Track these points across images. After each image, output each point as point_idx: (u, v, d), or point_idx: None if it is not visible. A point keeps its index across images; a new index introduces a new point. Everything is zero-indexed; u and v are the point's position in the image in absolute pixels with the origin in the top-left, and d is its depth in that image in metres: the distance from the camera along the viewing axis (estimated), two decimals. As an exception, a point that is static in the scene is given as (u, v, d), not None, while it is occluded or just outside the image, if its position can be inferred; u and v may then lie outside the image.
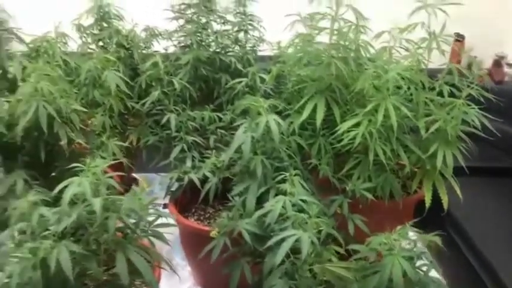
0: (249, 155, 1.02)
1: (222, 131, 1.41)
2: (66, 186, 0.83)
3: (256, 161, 1.02)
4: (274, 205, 0.92)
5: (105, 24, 1.57)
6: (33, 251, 0.81)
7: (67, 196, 0.78)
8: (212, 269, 1.10)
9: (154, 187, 1.76)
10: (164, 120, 1.33)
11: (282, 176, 1.01)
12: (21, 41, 1.24)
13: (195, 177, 1.24)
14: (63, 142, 1.16)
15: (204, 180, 1.23)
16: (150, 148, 1.45)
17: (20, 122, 1.11)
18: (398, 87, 1.14)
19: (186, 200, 1.33)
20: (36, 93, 1.10)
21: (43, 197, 0.91)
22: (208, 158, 1.32)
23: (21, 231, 0.89)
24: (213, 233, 1.21)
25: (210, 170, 1.27)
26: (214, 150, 1.25)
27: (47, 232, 0.83)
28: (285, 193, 0.97)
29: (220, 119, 1.43)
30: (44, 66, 1.17)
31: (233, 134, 1.45)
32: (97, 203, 0.79)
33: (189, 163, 1.30)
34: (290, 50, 1.32)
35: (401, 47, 1.24)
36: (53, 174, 1.27)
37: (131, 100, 1.44)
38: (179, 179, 1.25)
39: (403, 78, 1.10)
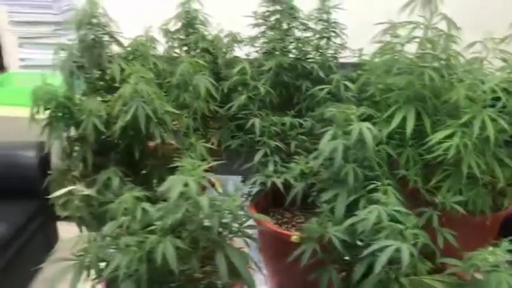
0: (340, 162, 1.02)
1: (303, 137, 1.42)
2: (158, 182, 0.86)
3: (347, 168, 1.02)
4: (368, 214, 0.92)
5: (191, 30, 1.63)
6: (139, 245, 0.85)
7: (174, 194, 0.81)
8: (293, 274, 1.11)
9: (227, 189, 1.79)
10: (249, 124, 1.35)
11: (374, 185, 1.01)
12: (120, 44, 1.31)
13: (278, 181, 1.25)
14: (157, 142, 1.21)
15: (286, 185, 1.25)
16: (230, 151, 1.49)
17: (119, 121, 1.17)
18: (495, 99, 1.10)
19: (265, 204, 1.35)
20: (136, 94, 1.16)
21: (145, 193, 0.96)
22: (289, 163, 1.33)
23: (124, 225, 0.94)
24: (295, 238, 1.22)
25: (294, 175, 1.29)
26: (300, 156, 1.26)
27: (152, 227, 0.87)
28: (377, 202, 0.96)
29: (301, 125, 1.44)
30: (141, 68, 1.22)
31: (314, 140, 1.46)
32: (204, 201, 0.82)
33: (271, 167, 1.32)
34: (377, 58, 1.31)
35: (497, 58, 1.20)
36: (143, 171, 1.33)
37: (214, 104, 1.48)
38: (263, 183, 1.27)
39: (501, 90, 1.07)
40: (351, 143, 1.03)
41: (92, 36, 1.25)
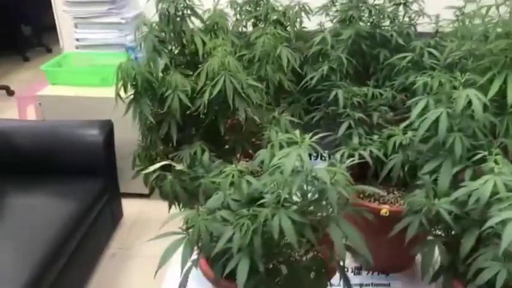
0: (445, 131, 0.98)
1: (385, 108, 1.37)
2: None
3: (454, 138, 0.98)
4: (484, 184, 0.88)
5: (260, 2, 1.59)
6: (252, 218, 0.84)
7: (289, 166, 0.79)
8: (383, 248, 1.09)
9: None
10: (332, 95, 1.32)
11: (481, 154, 0.96)
12: (200, 18, 1.28)
13: (365, 154, 1.22)
14: (242, 116, 1.19)
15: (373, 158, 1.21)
16: (306, 126, 1.46)
17: (205, 95, 1.16)
18: None
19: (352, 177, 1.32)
20: (223, 67, 1.14)
21: (248, 166, 0.95)
22: (372, 135, 1.30)
23: (226, 199, 0.94)
24: (384, 211, 1.19)
25: (377, 147, 1.25)
26: (397, 127, 1.22)
27: (263, 200, 0.86)
28: (488, 173, 0.92)
29: (381, 95, 1.39)
30: (224, 42, 1.20)
31: (394, 111, 1.42)
32: (324, 173, 0.79)
33: (356, 140, 1.28)
34: (468, 24, 1.25)
35: None
36: (227, 146, 1.32)
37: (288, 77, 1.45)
38: (350, 156, 1.24)
39: None
40: (455, 111, 0.98)
41: (174, 10, 1.23)
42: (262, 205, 0.86)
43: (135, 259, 2.35)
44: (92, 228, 2.21)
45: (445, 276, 0.97)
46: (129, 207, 2.64)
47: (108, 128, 2.33)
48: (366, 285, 1.31)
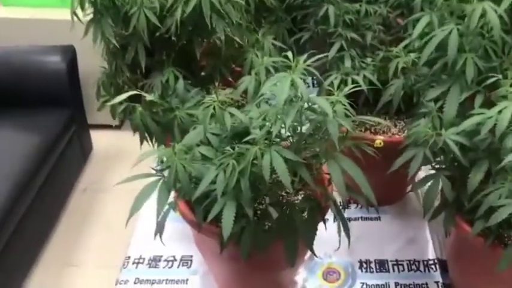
0: (456, 52, 0.86)
1: (379, 27, 1.23)
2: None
3: (465, 59, 0.85)
4: (501, 112, 0.77)
5: None
6: (238, 157, 0.72)
7: (282, 95, 0.66)
8: (374, 181, 1.00)
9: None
10: (322, 12, 1.16)
11: (494, 78, 0.85)
12: None
13: (359, 79, 1.09)
14: (221, 38, 1.03)
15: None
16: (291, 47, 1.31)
17: (178, 12, 0.99)
18: None
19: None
20: (196, -20, 0.96)
21: (230, 96, 0.81)
22: (365, 57, 1.17)
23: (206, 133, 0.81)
24: (378, 142, 1.09)
25: (372, 72, 1.13)
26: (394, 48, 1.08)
27: (250, 136, 0.73)
28: (501, 99, 0.81)
29: (375, 12, 1.24)
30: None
31: (389, 30, 1.28)
32: (324, 103, 0.67)
33: (348, 63, 1.15)
34: None
35: None
36: (203, 73, 1.17)
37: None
38: (342, 82, 1.11)
39: None
40: (466, 28, 0.85)
41: None
42: (249, 142, 0.73)
43: (108, 194, 2.24)
44: (60, 162, 2.06)
45: (448, 213, 0.89)
46: (99, 139, 2.48)
47: (70, 54, 2.12)
48: (355, 219, 1.24)
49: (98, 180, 2.34)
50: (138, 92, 0.94)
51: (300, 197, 0.87)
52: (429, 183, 0.88)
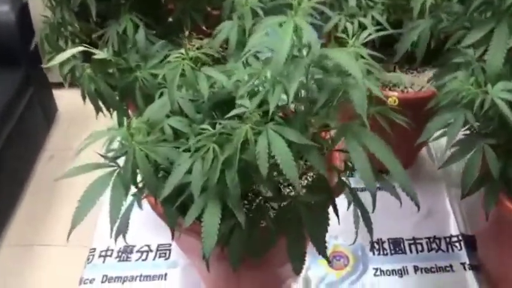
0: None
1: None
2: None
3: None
4: None
5: None
6: (222, 140, 0.50)
7: (283, 49, 0.44)
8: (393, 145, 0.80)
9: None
10: None
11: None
12: None
13: (367, 21, 0.87)
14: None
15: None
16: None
17: None
18: None
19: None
20: None
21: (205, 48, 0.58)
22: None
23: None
24: (392, 100, 0.89)
25: (381, 12, 0.91)
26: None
27: (236, 110, 0.51)
28: None
29: None
30: None
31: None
32: (350, 62, 0.45)
33: (353, 1, 0.92)
34: None
35: None
36: (170, 19, 0.93)
37: None
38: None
39: None
40: None
41: None
42: (235, 117, 0.52)
43: (78, 162, 2.02)
44: (19, 128, 1.82)
45: (490, 189, 0.71)
46: (64, 100, 2.22)
47: (20, 3, 1.84)
48: (360, 189, 1.05)
49: (66, 146, 2.10)
50: (85, 48, 0.71)
51: (303, 182, 0.66)
52: (471, 154, 0.68)
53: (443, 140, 1.15)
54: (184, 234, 0.66)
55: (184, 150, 0.53)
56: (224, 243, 0.58)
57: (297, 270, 0.60)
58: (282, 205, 0.58)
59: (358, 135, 0.50)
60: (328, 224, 0.61)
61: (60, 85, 2.28)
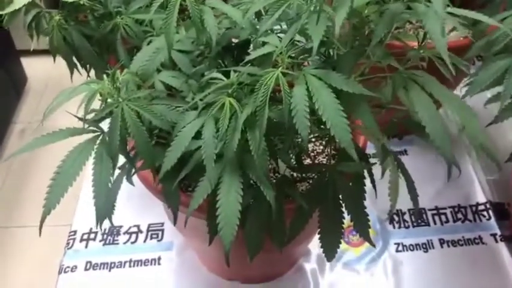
0: None
1: None
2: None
3: None
4: None
5: None
6: (239, 93, 0.38)
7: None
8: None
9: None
10: None
11: None
12: None
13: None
14: None
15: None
16: None
17: None
18: None
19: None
20: None
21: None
22: None
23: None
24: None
25: None
26: None
27: (263, 51, 0.38)
28: None
29: None
30: None
31: None
32: None
33: None
34: None
35: None
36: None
37: None
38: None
39: None
40: None
41: None
42: (253, 63, 0.39)
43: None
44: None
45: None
46: (34, 68, 2.04)
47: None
48: (372, 155, 0.94)
49: (39, 119, 1.94)
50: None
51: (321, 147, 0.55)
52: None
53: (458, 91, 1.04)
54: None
55: (187, 110, 0.40)
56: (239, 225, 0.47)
57: (330, 257, 0.49)
58: (311, 177, 0.46)
59: (426, 84, 0.38)
60: (365, 199, 0.50)
61: (29, 53, 2.11)
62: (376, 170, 0.53)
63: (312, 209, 0.44)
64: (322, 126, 0.40)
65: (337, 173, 0.44)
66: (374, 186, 0.52)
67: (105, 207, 0.48)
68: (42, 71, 2.08)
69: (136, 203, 0.86)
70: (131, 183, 0.52)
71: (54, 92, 1.78)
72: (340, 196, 0.44)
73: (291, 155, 0.45)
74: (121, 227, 0.84)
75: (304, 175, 0.48)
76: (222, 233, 0.38)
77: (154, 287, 0.76)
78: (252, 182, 0.42)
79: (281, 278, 0.76)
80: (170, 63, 0.50)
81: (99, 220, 0.49)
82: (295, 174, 0.50)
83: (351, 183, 0.45)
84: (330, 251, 0.47)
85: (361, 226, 0.46)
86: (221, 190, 0.39)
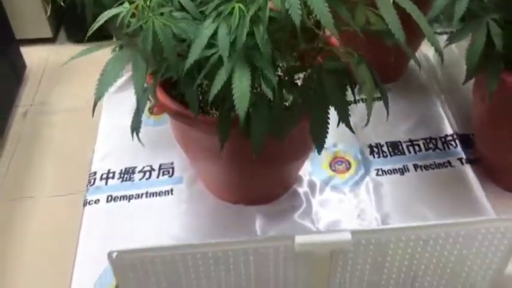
0: None
1: None
2: None
3: None
4: None
5: None
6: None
7: None
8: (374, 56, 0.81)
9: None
10: None
11: None
12: None
13: None
14: None
15: None
16: None
17: None
18: None
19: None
20: None
21: None
22: None
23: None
24: None
25: None
26: None
27: None
28: None
29: None
30: None
31: None
32: None
33: None
34: None
35: None
36: None
37: None
38: None
39: None
40: None
41: None
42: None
43: (53, 116, 1.96)
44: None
45: (493, 66, 0.73)
46: (32, 56, 2.14)
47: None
48: (355, 101, 1.07)
49: (39, 102, 2.05)
50: None
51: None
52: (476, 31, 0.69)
53: (431, 51, 1.18)
54: (195, 129, 0.66)
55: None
56: (244, 127, 0.58)
57: (319, 146, 0.60)
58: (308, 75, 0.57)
59: None
60: (346, 91, 0.62)
61: (27, 42, 2.21)
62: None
63: (304, 102, 0.56)
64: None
65: (323, 71, 0.56)
66: (352, 90, 0.64)
67: (137, 116, 0.59)
68: (39, 59, 2.18)
69: (148, 149, 0.97)
70: (155, 99, 0.64)
71: (51, 77, 1.91)
72: (326, 90, 0.56)
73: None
74: (135, 167, 0.96)
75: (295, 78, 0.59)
76: (238, 105, 0.49)
77: (169, 212, 0.88)
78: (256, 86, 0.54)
79: (278, 199, 0.88)
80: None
81: (132, 130, 0.60)
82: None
83: (334, 80, 0.56)
84: (319, 140, 0.59)
85: (343, 114, 0.58)
86: (234, 78, 0.50)
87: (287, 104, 0.63)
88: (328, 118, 0.60)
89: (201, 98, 0.70)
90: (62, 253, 1.34)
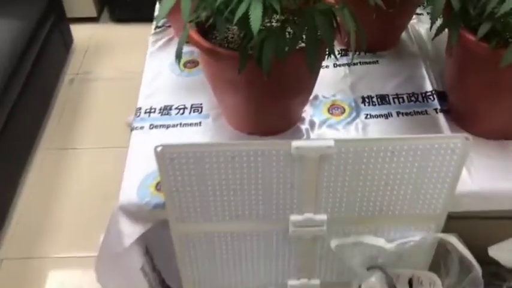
0: None
1: None
2: None
3: None
4: None
5: None
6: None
7: None
8: (370, 27, 1.04)
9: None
10: None
11: None
12: None
13: None
14: None
15: None
16: None
17: None
18: None
19: None
20: None
21: None
22: None
23: None
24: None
25: None
26: None
27: None
28: None
29: None
30: None
31: None
32: None
33: None
34: None
35: None
36: None
37: None
38: None
39: None
40: None
41: None
42: None
43: (96, 83, 2.23)
44: (44, 51, 2.03)
45: (453, 24, 0.93)
46: (78, 32, 2.43)
47: None
48: (354, 64, 1.28)
49: (84, 72, 2.32)
50: None
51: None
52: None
53: (420, 26, 1.39)
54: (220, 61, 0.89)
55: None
56: (257, 54, 0.81)
57: (312, 69, 0.82)
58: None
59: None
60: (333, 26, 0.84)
61: (74, 20, 2.49)
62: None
63: (301, 33, 0.78)
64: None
65: (316, 11, 0.78)
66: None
67: (177, 51, 0.82)
68: (84, 35, 2.46)
69: (182, 93, 1.21)
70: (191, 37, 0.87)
71: (94, 51, 2.21)
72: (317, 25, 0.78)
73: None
74: (172, 105, 1.19)
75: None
76: (253, 24, 0.71)
77: (199, 138, 1.11)
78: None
79: (284, 133, 1.10)
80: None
81: (177, 55, 0.84)
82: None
83: (323, 18, 0.79)
84: (312, 64, 0.81)
85: (329, 43, 0.80)
86: (251, 8, 0.73)
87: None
88: (319, 50, 0.82)
89: (226, 45, 0.94)
90: (103, 192, 1.59)
